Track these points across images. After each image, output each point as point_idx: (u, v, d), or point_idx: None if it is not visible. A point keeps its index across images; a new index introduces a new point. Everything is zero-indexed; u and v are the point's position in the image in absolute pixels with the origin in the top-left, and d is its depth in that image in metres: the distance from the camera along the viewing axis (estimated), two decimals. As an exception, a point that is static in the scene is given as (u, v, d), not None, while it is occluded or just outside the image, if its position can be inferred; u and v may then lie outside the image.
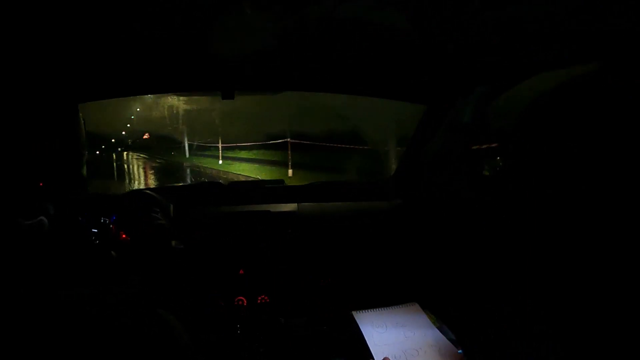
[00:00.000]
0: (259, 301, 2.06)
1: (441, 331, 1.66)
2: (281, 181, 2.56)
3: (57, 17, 1.22)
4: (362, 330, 1.66)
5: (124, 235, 2.02)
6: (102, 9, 1.19)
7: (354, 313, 1.74)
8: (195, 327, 1.95)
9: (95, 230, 2.01)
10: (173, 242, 1.97)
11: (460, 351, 1.55)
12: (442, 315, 1.75)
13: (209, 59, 1.66)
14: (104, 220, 2.02)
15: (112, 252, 1.97)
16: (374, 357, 1.53)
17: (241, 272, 2.08)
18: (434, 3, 1.17)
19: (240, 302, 2.04)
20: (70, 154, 1.98)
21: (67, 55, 1.53)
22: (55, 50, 1.48)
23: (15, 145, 1.51)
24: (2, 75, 1.52)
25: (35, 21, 1.24)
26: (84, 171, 2.06)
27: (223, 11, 1.23)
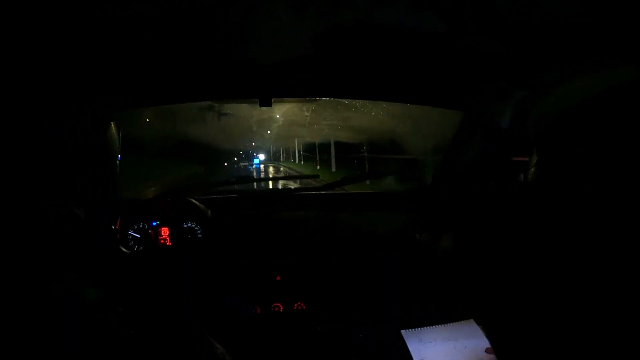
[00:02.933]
0: (295, 308, 2.05)
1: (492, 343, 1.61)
2: (316, 176, 2.56)
3: (93, 28, 1.25)
4: (408, 345, 1.62)
5: (162, 241, 2.05)
6: (141, 18, 1.21)
7: (402, 332, 1.70)
8: (230, 333, 1.96)
9: (138, 236, 2.05)
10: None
11: None
12: (496, 333, 1.70)
13: (246, 66, 1.67)
14: (143, 225, 2.06)
15: (150, 256, 2.01)
16: None
17: (278, 278, 2.08)
18: (472, 7, 1.15)
19: (276, 309, 2.04)
20: (104, 160, 2.04)
21: (102, 63, 1.56)
22: (89, 60, 1.51)
23: (49, 149, 1.56)
24: (41, 84, 1.56)
25: (72, 32, 1.27)
26: (117, 176, 2.12)
27: (259, 17, 1.24)
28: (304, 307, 2.06)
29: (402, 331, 1.70)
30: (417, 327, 1.73)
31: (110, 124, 2.04)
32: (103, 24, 1.22)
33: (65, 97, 1.69)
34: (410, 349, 1.61)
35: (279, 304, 2.04)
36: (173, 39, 1.38)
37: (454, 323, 1.73)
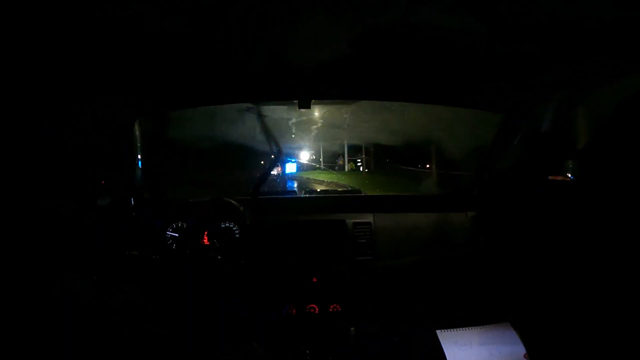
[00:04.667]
0: (330, 309, 2.06)
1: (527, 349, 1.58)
2: (358, 190, 2.55)
3: (126, 31, 1.28)
4: (443, 347, 1.60)
5: (200, 241, 2.09)
6: (178, 21, 1.24)
7: (438, 332, 1.68)
8: (266, 333, 1.97)
9: (176, 235, 2.09)
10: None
11: None
12: (533, 338, 1.66)
13: (285, 68, 1.68)
14: (181, 224, 2.10)
15: (187, 255, 2.05)
16: None
17: (314, 280, 2.08)
18: (510, 7, 1.13)
19: (312, 310, 2.05)
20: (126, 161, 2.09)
21: (143, 65, 1.59)
22: (125, 62, 1.54)
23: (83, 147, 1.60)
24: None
25: (104, 37, 1.30)
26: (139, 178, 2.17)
27: (297, 19, 1.25)
28: (339, 309, 2.06)
29: (438, 331, 1.68)
30: (453, 329, 1.70)
31: (134, 125, 2.10)
32: (126, 24, 1.25)
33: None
34: (445, 351, 1.58)
35: (314, 306, 2.05)
36: (212, 41, 1.40)
37: (490, 326, 1.70)
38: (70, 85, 1.60)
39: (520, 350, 1.56)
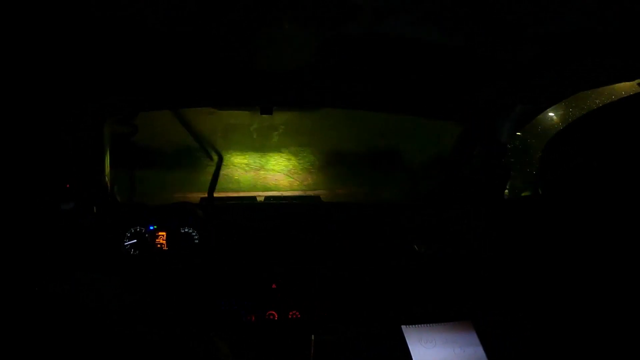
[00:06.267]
0: (290, 316, 2.05)
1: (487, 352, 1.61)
2: (317, 197, 2.56)
3: (88, 29, 1.25)
4: (409, 345, 1.62)
5: (159, 246, 2.06)
6: (139, 23, 1.22)
7: (403, 327, 1.70)
8: (225, 340, 1.95)
9: (134, 241, 2.05)
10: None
11: None
12: (492, 336, 1.70)
13: (249, 73, 1.68)
14: (140, 229, 2.06)
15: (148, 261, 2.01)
16: None
17: (274, 286, 2.07)
18: (473, 21, 1.16)
19: (271, 317, 2.04)
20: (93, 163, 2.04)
21: (103, 68, 1.56)
22: (94, 64, 1.51)
23: (46, 149, 1.56)
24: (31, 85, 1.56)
25: (66, 34, 1.27)
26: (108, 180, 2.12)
27: (263, 26, 1.24)
28: (299, 316, 2.05)
29: (403, 327, 1.69)
30: (418, 324, 1.72)
31: (103, 127, 2.05)
32: (102, 25, 1.23)
33: (55, 98, 1.69)
34: (410, 350, 1.60)
35: (274, 312, 2.04)
36: (174, 43, 1.39)
37: (453, 323, 1.72)
38: (34, 85, 1.56)
39: (481, 352, 1.60)
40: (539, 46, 1.30)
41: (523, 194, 1.87)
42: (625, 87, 1.46)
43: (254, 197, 2.42)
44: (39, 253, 1.57)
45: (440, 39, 1.26)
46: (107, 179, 2.13)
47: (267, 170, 2.91)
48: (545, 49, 1.32)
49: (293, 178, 2.94)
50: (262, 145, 2.85)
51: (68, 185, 1.76)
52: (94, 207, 2.01)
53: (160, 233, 2.07)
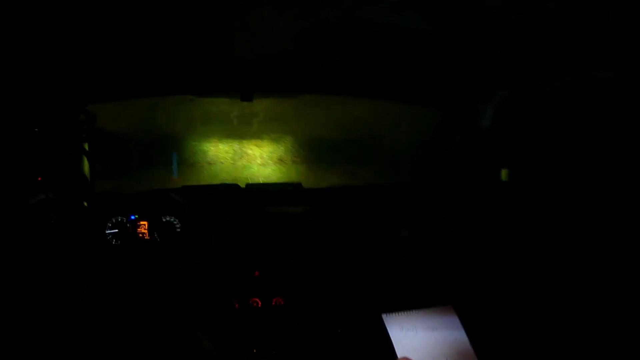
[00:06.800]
0: (273, 303, 2.06)
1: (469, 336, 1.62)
2: (299, 184, 2.57)
3: (65, 18, 1.23)
4: (390, 333, 1.62)
5: (140, 235, 2.05)
6: (120, 6, 1.20)
7: (383, 315, 1.70)
8: (208, 328, 1.96)
9: (116, 231, 2.04)
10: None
11: None
12: (473, 319, 1.72)
13: (228, 60, 1.67)
14: (121, 219, 2.04)
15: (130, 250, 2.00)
16: None
17: (256, 273, 2.08)
18: (453, 6, 1.16)
19: (255, 304, 2.04)
20: (75, 152, 2.01)
21: (74, 54, 1.54)
22: (62, 50, 1.49)
23: (16, 141, 1.53)
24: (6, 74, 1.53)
25: (41, 22, 1.25)
26: (87, 170, 2.09)
27: (242, 12, 1.24)
28: (282, 303, 2.06)
29: (383, 315, 1.70)
30: (398, 312, 1.73)
31: (80, 117, 2.02)
32: (76, 16, 1.21)
33: (30, 89, 1.66)
34: (392, 338, 1.61)
35: (257, 299, 2.04)
36: (152, 30, 1.37)
37: (434, 309, 1.73)
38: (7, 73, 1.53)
39: (462, 338, 1.61)
40: (515, 33, 1.31)
41: (503, 180, 1.88)
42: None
43: (235, 185, 2.41)
44: (11, 251, 1.54)
45: (419, 26, 1.27)
46: (85, 169, 2.10)
47: (248, 158, 2.89)
48: (521, 37, 1.33)
49: (274, 165, 2.93)
50: (243, 133, 2.84)
51: (40, 179, 1.72)
52: (72, 199, 1.98)
53: (141, 222, 2.05)
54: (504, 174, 1.75)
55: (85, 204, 2.01)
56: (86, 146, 2.06)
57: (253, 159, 2.91)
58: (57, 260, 1.63)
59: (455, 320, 1.68)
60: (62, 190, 1.81)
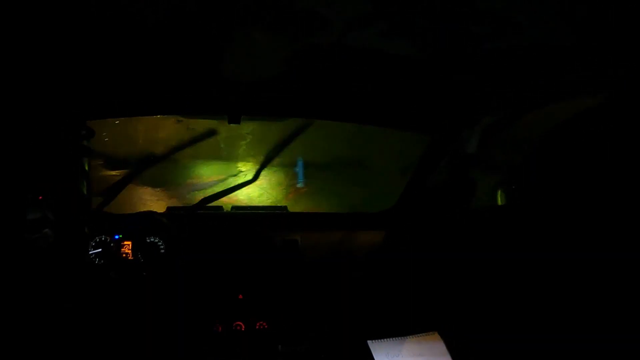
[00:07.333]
0: (257, 327, 2.04)
1: None
2: (284, 207, 2.56)
3: (65, 34, 1.24)
4: (375, 357, 1.61)
5: (124, 255, 2.02)
6: (110, 27, 1.21)
7: (369, 342, 1.69)
8: (191, 351, 1.93)
9: (100, 250, 2.01)
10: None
11: None
12: (459, 346, 1.71)
13: (217, 82, 1.67)
14: (105, 238, 2.02)
15: (112, 272, 1.97)
16: None
17: (240, 297, 2.06)
18: (440, 33, 1.19)
19: (238, 327, 2.02)
20: (72, 170, 1.99)
21: (72, 71, 1.54)
22: (60, 66, 1.49)
23: (16, 159, 1.51)
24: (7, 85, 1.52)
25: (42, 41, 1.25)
26: (85, 189, 2.07)
27: (233, 35, 1.25)
28: (266, 327, 2.04)
29: (369, 342, 1.69)
30: (384, 339, 1.72)
31: (82, 132, 2.01)
32: (74, 29, 1.21)
33: (35, 103, 1.65)
34: None
35: (240, 323, 2.02)
36: (145, 50, 1.38)
37: (419, 335, 1.73)
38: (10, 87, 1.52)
39: None
40: (498, 60, 1.33)
41: (489, 204, 1.90)
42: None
43: (220, 207, 2.40)
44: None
45: (407, 52, 1.29)
46: (84, 187, 2.08)
47: (234, 180, 2.89)
48: (504, 64, 1.35)
49: (260, 188, 2.93)
50: (229, 155, 2.84)
51: (40, 197, 1.70)
52: (70, 218, 1.96)
53: (125, 242, 2.03)
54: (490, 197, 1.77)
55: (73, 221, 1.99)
56: (86, 165, 2.05)
57: (239, 181, 2.90)
58: (44, 272, 1.62)
59: (441, 346, 1.68)
60: (61, 210, 1.79)
